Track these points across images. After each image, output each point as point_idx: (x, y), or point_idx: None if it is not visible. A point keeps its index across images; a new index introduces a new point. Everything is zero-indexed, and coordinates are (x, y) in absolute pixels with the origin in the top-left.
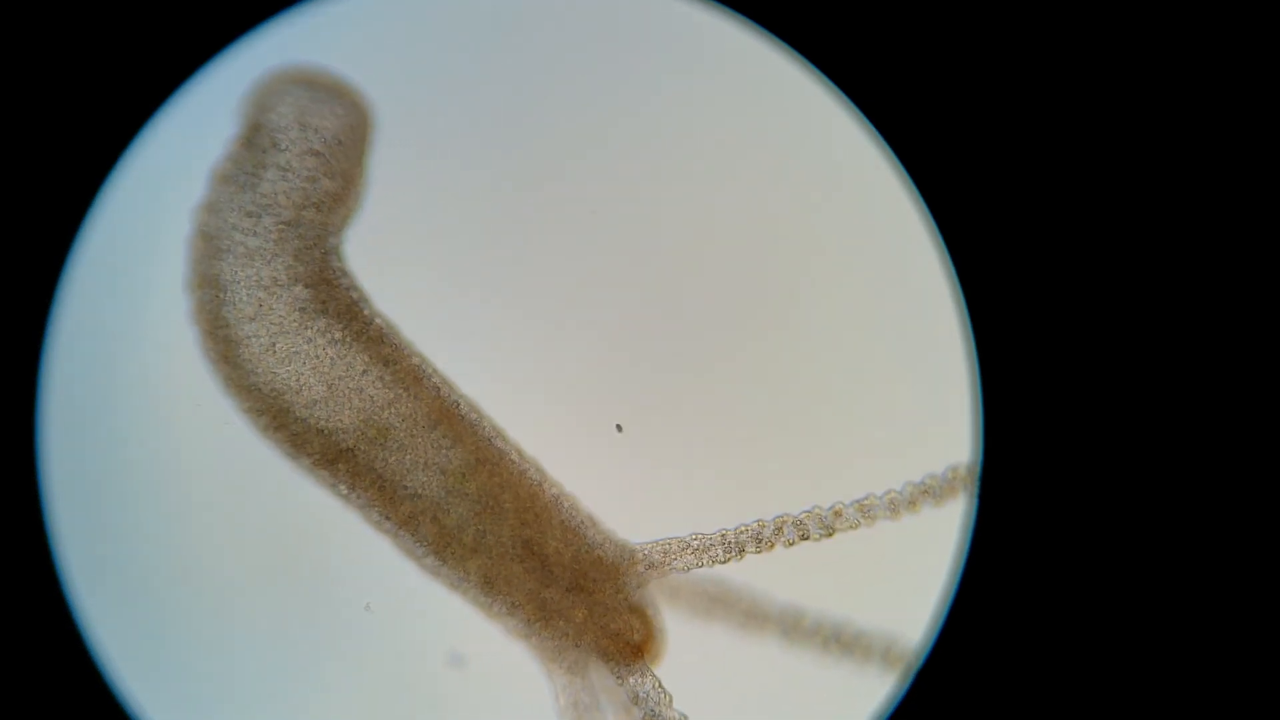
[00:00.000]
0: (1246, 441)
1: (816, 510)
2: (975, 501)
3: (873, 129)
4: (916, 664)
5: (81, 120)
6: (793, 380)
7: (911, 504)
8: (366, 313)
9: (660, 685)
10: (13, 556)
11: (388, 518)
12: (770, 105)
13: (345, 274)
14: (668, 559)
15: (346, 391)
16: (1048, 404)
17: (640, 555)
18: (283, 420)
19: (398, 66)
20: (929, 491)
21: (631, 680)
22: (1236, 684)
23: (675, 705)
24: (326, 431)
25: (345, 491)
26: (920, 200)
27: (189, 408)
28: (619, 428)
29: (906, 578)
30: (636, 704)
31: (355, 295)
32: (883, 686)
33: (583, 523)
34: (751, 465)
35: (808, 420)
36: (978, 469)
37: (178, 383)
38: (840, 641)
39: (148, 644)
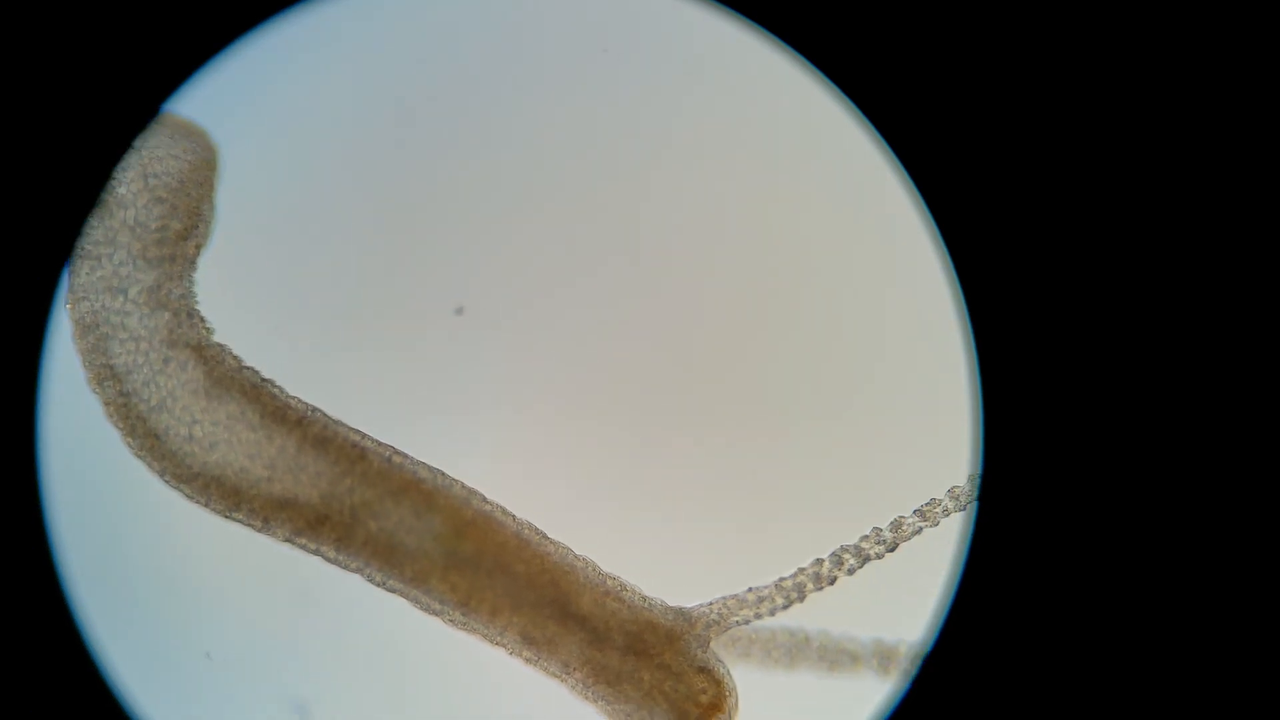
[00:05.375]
0: (1246, 443)
1: (874, 530)
2: (974, 504)
3: (873, 129)
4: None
5: (80, 121)
6: (802, 414)
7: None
8: (277, 394)
9: None
10: (12, 559)
11: (391, 578)
12: (770, 105)
13: (231, 353)
14: (727, 615)
15: (289, 469)
16: (1048, 403)
17: (697, 615)
18: (236, 501)
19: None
20: None
21: None
22: (1236, 684)
23: None
24: (291, 502)
25: (334, 555)
26: (921, 201)
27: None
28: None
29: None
30: None
31: (254, 377)
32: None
33: (610, 584)
34: (778, 510)
35: (827, 451)
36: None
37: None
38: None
39: (148, 646)
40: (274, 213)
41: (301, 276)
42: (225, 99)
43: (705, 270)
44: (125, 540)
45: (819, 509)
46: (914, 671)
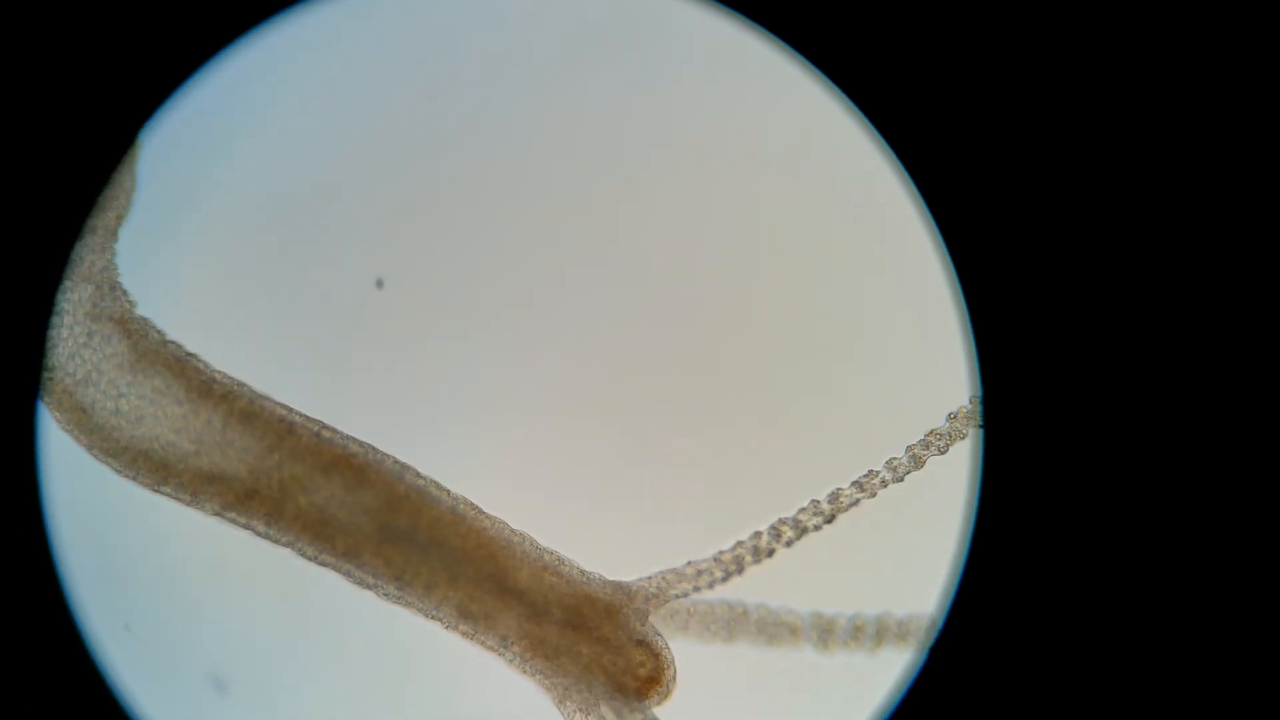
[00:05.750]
0: (1246, 438)
1: (811, 503)
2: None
3: (873, 129)
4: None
5: (80, 121)
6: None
7: (917, 461)
8: (202, 369)
9: None
10: (13, 558)
11: (324, 553)
12: (770, 105)
13: (154, 327)
14: (666, 589)
15: (217, 444)
16: (1048, 399)
17: (636, 589)
18: (164, 475)
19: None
20: (932, 444)
21: (637, 719)
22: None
23: None
24: (219, 477)
25: (264, 530)
26: (920, 200)
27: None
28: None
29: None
30: None
31: (179, 351)
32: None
33: (548, 558)
34: (733, 485)
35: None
36: (979, 405)
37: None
38: (879, 632)
39: (148, 646)
40: (268, 212)
41: (295, 278)
42: (222, 99)
43: (699, 269)
44: (124, 538)
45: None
46: (919, 651)
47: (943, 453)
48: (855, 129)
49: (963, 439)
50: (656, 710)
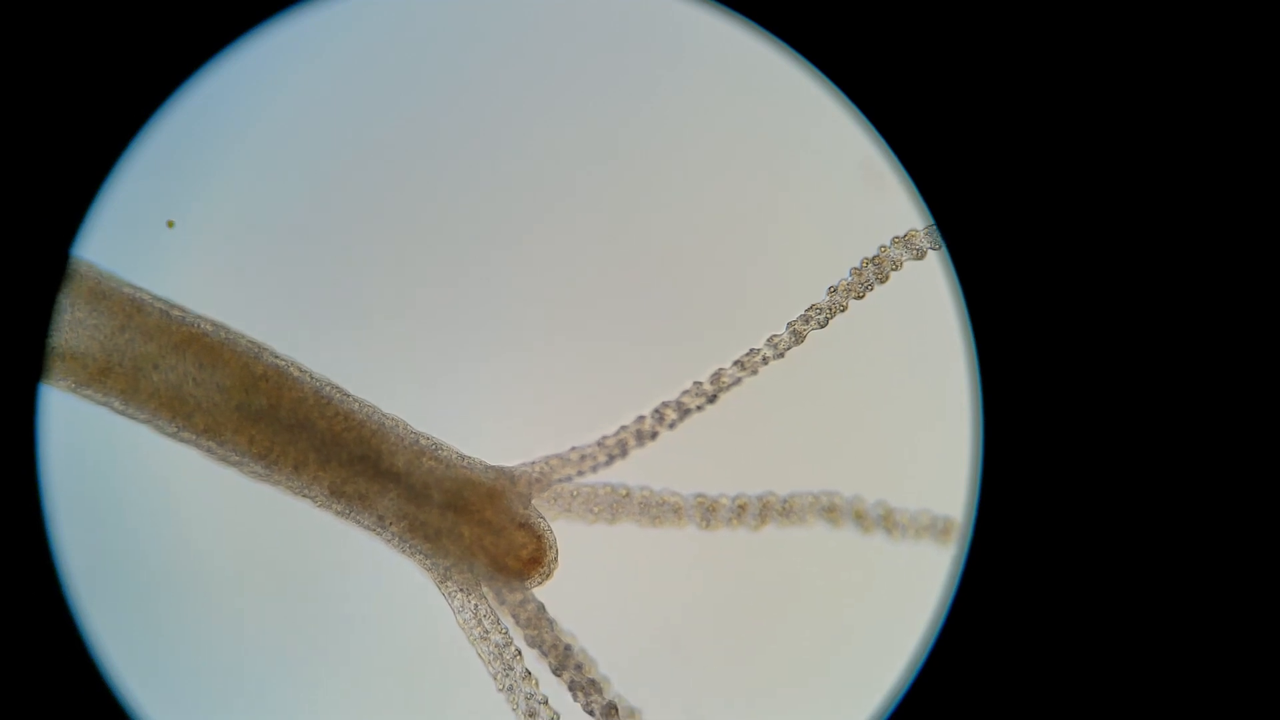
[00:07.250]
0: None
1: (693, 384)
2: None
3: (872, 128)
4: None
5: (80, 121)
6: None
7: (797, 337)
8: None
9: (544, 609)
10: (13, 559)
11: (183, 430)
12: (769, 105)
13: None
14: (549, 474)
15: (66, 323)
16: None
17: (520, 474)
18: None
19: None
20: (812, 318)
21: (517, 599)
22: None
23: (561, 628)
24: (72, 354)
25: (121, 407)
26: (919, 199)
27: None
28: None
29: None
30: (522, 627)
31: None
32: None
33: (424, 442)
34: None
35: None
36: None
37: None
38: (777, 510)
39: (148, 644)
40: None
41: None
42: (220, 99)
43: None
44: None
45: None
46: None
47: (822, 326)
48: (855, 127)
49: (842, 312)
50: (537, 590)
